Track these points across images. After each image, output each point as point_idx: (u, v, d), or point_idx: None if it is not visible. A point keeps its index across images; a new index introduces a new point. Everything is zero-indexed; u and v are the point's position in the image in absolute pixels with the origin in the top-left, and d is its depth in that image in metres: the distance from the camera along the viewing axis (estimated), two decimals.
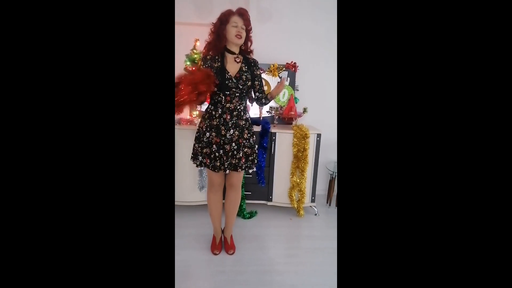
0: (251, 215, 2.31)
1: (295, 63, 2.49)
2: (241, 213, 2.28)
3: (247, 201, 2.34)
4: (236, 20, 1.52)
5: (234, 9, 1.56)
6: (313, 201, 2.37)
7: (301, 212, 2.31)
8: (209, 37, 1.59)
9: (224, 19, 1.53)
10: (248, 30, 1.58)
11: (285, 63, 2.49)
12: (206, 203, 2.26)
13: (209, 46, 1.58)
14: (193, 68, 1.40)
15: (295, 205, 2.30)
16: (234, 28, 1.51)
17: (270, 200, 2.36)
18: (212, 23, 1.59)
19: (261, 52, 2.56)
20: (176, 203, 2.29)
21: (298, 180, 2.26)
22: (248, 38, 1.60)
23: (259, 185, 2.30)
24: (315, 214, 2.40)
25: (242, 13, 1.54)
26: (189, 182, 2.25)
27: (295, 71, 2.50)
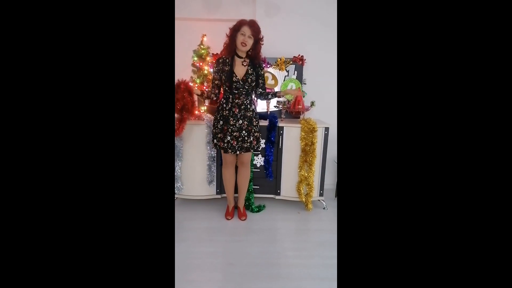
0: (259, 209, 2.33)
1: (302, 56, 2.47)
2: (249, 207, 2.30)
3: (255, 195, 2.36)
4: (244, 30, 1.79)
5: (247, 19, 1.83)
6: (321, 195, 2.37)
7: (309, 206, 2.31)
8: (226, 40, 1.87)
9: (236, 27, 1.81)
10: (257, 40, 1.83)
11: (292, 57, 2.47)
12: (215, 197, 2.36)
13: (225, 47, 1.88)
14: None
15: (303, 199, 2.31)
16: (241, 36, 1.79)
17: (278, 194, 2.37)
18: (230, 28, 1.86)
19: (268, 46, 2.54)
20: (186, 197, 2.33)
21: (306, 174, 2.26)
22: (257, 47, 1.86)
23: (267, 179, 2.31)
24: (324, 208, 2.40)
25: (251, 24, 1.79)
26: (198, 176, 2.28)
27: (302, 64, 2.48)
